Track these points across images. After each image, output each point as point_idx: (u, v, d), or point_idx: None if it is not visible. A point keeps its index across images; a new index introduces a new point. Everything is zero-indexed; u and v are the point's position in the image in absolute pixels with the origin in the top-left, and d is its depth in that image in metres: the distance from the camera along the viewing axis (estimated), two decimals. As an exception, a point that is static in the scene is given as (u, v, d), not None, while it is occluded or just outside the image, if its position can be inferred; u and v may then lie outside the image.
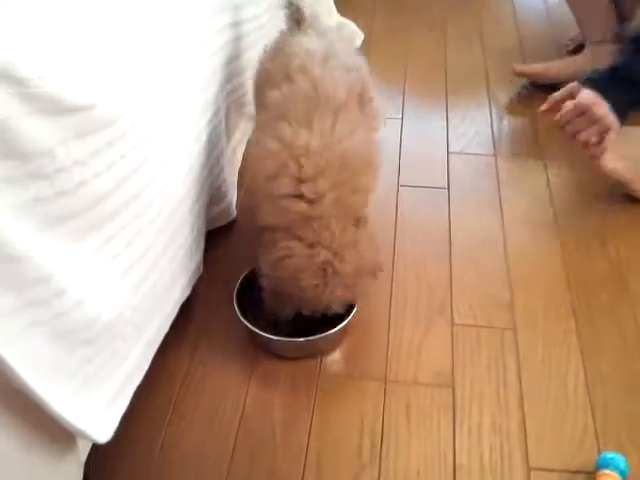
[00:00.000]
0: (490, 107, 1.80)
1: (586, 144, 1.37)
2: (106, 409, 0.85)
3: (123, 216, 0.83)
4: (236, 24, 1.26)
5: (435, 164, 1.61)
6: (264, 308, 1.13)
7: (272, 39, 1.24)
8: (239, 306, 1.17)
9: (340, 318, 1.14)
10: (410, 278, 1.32)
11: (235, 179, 1.45)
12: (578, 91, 1.36)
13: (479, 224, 1.45)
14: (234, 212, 1.38)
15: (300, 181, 1.03)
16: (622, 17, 1.70)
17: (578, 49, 1.89)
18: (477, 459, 1.03)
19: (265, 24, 1.38)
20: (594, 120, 1.33)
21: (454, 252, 1.38)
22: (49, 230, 0.70)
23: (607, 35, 1.70)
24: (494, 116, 1.76)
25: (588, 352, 1.17)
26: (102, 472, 0.99)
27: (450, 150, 1.64)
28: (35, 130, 0.65)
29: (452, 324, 1.23)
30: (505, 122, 1.75)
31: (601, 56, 1.61)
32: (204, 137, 1.15)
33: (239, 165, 1.49)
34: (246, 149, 1.51)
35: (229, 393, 1.12)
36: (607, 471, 0.97)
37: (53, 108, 0.66)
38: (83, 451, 0.89)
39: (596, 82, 1.35)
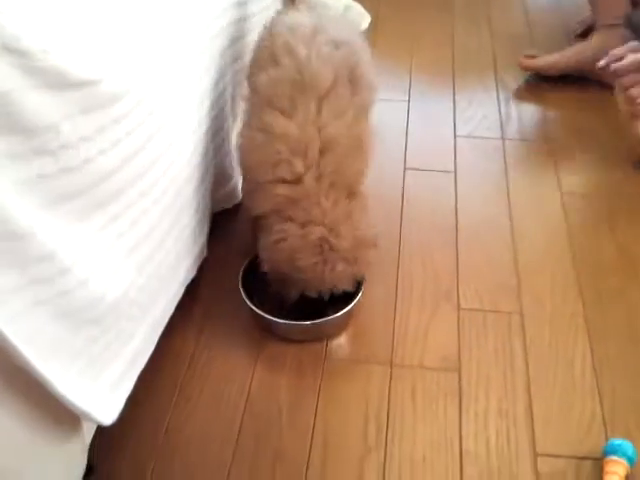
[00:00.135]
0: (498, 90, 1.78)
1: (634, 100, 1.40)
2: (111, 390, 0.84)
3: (128, 194, 0.82)
4: (240, 3, 1.24)
5: (442, 147, 1.59)
6: (270, 291, 1.13)
7: (267, 19, 1.22)
8: (245, 289, 1.16)
9: (347, 302, 1.13)
10: (416, 262, 1.31)
11: (241, 161, 1.43)
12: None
13: (486, 208, 1.44)
14: (240, 195, 1.37)
15: (276, 165, 1.04)
16: (634, 2, 1.69)
17: (586, 33, 1.88)
18: (483, 444, 1.02)
19: (270, 5, 1.36)
20: None
21: (460, 236, 1.36)
22: (53, 208, 0.69)
23: (619, 19, 1.68)
24: (502, 99, 1.74)
25: (596, 336, 1.16)
26: (106, 455, 0.99)
27: (457, 133, 1.63)
28: (39, 104, 0.63)
29: (458, 308, 1.22)
30: (513, 105, 1.73)
31: (611, 40, 1.61)
32: (209, 118, 1.13)
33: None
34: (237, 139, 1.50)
35: (235, 376, 1.11)
36: (615, 457, 0.96)
37: (57, 82, 0.65)
38: (88, 434, 0.88)
39: None
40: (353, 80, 1.10)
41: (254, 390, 1.09)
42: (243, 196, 1.30)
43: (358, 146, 1.09)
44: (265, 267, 1.09)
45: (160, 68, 0.88)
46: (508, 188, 1.47)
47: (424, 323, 1.19)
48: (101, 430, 0.89)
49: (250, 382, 1.10)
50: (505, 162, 1.54)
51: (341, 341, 1.17)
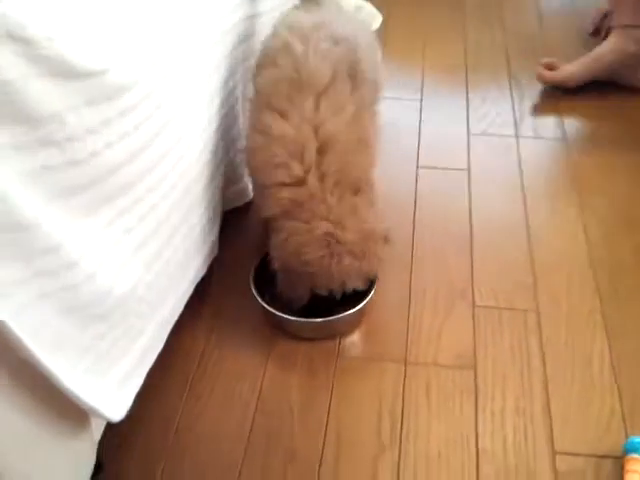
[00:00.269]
0: (511, 88, 1.76)
1: None
2: (119, 387, 0.83)
3: (136, 189, 0.81)
4: (253, 0, 1.24)
5: (455, 145, 1.57)
6: (277, 293, 1.12)
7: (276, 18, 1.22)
8: (256, 287, 1.15)
9: (360, 302, 1.12)
10: (430, 260, 1.29)
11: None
12: None
13: (500, 206, 1.42)
14: (251, 193, 1.36)
15: (275, 168, 1.04)
16: None
17: (598, 30, 1.89)
18: (500, 443, 1.00)
19: (282, 4, 1.36)
20: None
21: (475, 234, 1.34)
22: (59, 201, 0.68)
23: (637, 20, 1.66)
24: (515, 97, 1.72)
25: (613, 332, 1.14)
26: (115, 454, 0.98)
27: (471, 131, 1.61)
28: (43, 93, 0.62)
29: (473, 306, 1.20)
30: (527, 103, 1.71)
31: (627, 41, 1.62)
32: (219, 116, 1.12)
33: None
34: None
35: (246, 374, 1.10)
36: (636, 455, 0.94)
37: (62, 71, 0.64)
38: (97, 431, 0.87)
39: None
40: (353, 75, 1.08)
41: (265, 388, 1.08)
42: (254, 196, 1.29)
43: (361, 142, 1.08)
44: (275, 265, 1.08)
45: (169, 61, 0.87)
46: (523, 186, 1.45)
47: (439, 321, 1.18)
48: (110, 428, 0.88)
49: (261, 380, 1.09)
50: (519, 160, 1.52)
51: (354, 339, 1.15)
